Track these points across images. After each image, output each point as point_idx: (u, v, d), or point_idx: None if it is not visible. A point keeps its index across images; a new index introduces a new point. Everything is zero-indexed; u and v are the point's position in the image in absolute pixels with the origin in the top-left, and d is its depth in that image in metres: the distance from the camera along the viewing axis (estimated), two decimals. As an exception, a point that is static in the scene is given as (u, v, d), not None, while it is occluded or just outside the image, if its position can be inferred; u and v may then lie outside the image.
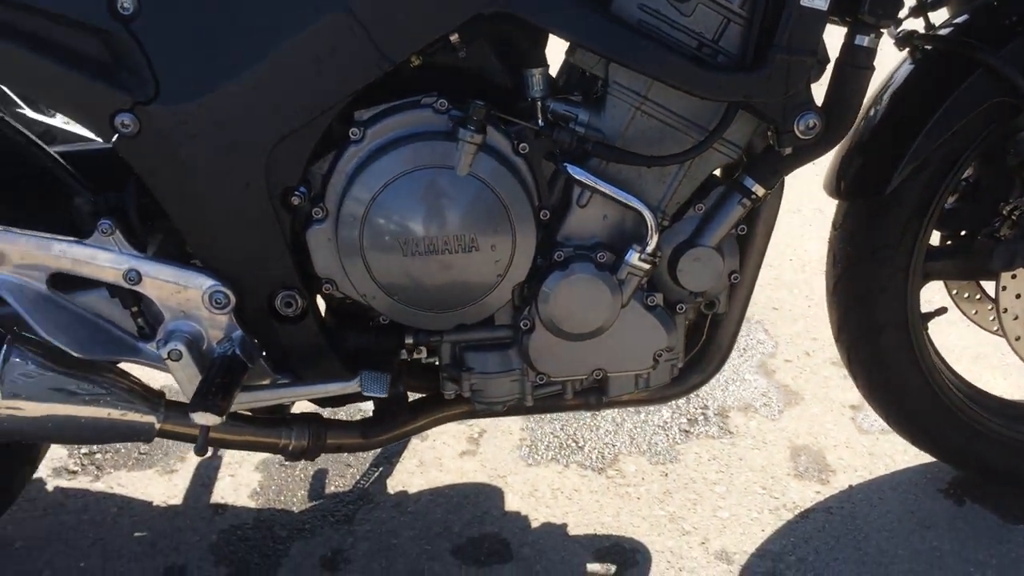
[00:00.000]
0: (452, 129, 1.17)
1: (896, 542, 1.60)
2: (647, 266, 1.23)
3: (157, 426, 1.23)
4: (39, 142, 1.32)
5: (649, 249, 1.22)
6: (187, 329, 1.20)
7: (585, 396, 1.40)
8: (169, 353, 1.17)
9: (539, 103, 1.19)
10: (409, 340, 1.30)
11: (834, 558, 1.57)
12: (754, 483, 1.72)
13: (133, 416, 1.20)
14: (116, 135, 1.12)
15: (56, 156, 1.32)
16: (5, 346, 1.12)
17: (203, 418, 1.11)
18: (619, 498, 1.68)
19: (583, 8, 1.12)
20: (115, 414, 1.19)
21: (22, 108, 1.55)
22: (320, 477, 1.72)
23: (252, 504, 1.66)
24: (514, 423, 1.85)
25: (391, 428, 1.39)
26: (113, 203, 1.19)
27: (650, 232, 1.22)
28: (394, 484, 1.71)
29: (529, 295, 1.27)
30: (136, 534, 1.59)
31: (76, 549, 1.56)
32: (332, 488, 1.70)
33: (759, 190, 1.24)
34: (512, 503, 1.67)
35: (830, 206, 1.56)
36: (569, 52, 1.29)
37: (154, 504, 1.65)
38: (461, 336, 1.30)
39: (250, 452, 1.74)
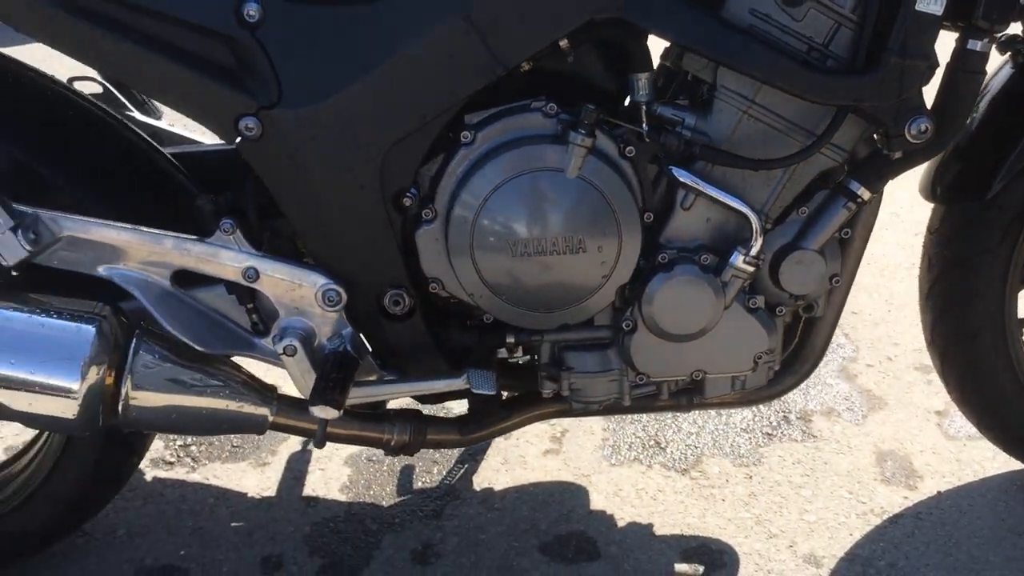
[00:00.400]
0: (561, 132, 1.19)
1: (987, 549, 1.59)
2: (751, 268, 1.24)
3: (270, 419, 1.26)
4: (155, 144, 1.37)
5: (753, 252, 1.23)
6: (300, 326, 1.24)
7: (677, 397, 1.41)
8: (285, 349, 1.21)
9: (644, 107, 1.21)
10: (510, 339, 1.32)
11: (925, 563, 1.56)
12: (840, 487, 1.72)
13: (249, 408, 1.24)
14: (239, 138, 1.16)
15: (170, 157, 1.37)
16: (135, 339, 1.16)
17: (323, 412, 1.14)
18: (704, 499, 1.69)
19: (695, 13, 1.14)
20: (232, 406, 1.23)
21: (131, 111, 1.60)
22: (407, 473, 1.75)
23: (343, 498, 1.70)
24: (596, 423, 1.87)
25: (487, 425, 1.41)
26: (232, 203, 1.23)
27: (754, 235, 1.23)
28: (480, 481, 1.74)
29: (631, 296, 1.28)
30: (233, 524, 1.64)
31: (176, 537, 1.61)
32: (419, 484, 1.73)
33: (865, 194, 1.24)
34: (597, 502, 1.69)
35: (906, 210, 1.55)
36: (666, 56, 1.31)
37: (249, 495, 1.70)
38: (562, 336, 1.32)
39: (339, 446, 1.79)
